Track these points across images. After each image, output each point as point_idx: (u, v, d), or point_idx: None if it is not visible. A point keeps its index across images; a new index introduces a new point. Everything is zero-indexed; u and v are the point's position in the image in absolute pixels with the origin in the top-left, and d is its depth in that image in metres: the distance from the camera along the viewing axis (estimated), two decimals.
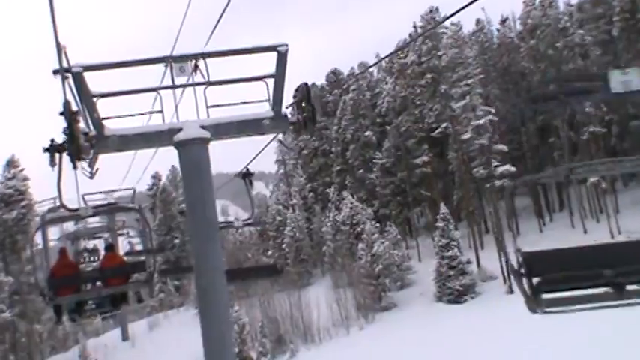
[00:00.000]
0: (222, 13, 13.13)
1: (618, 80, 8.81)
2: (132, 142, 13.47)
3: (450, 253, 71.77)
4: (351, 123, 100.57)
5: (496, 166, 71.98)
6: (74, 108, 11.84)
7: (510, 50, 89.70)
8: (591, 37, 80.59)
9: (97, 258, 28.01)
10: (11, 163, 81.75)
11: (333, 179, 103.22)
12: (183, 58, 12.99)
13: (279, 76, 13.11)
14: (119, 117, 13.45)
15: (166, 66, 12.96)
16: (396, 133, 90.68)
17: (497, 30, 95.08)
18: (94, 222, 26.42)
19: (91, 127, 12.99)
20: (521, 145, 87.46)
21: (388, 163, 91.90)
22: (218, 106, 13.61)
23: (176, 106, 13.93)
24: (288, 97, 13.83)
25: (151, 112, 14.06)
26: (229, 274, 14.22)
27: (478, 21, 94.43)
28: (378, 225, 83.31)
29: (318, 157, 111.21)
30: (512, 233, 79.82)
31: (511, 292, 69.37)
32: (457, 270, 71.40)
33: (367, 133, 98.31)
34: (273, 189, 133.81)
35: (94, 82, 12.99)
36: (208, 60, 13.02)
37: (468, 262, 73.28)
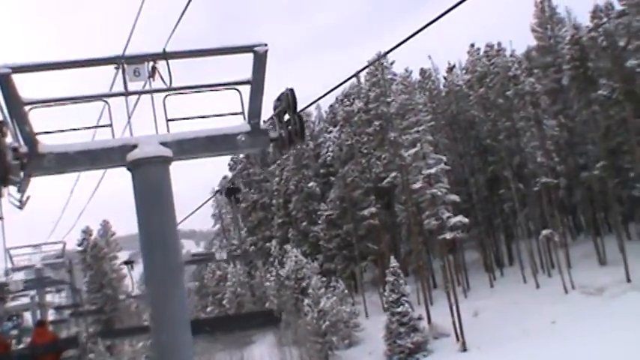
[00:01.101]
0: (187, 7, 10.80)
1: None
2: (73, 162, 11.02)
3: (400, 309, 69.85)
4: (294, 174, 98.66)
5: (448, 217, 70.39)
6: None
7: (459, 98, 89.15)
8: (541, 85, 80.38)
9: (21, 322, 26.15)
10: None
11: (275, 233, 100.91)
12: (139, 59, 10.82)
13: (256, 82, 11.00)
14: (59, 131, 10.99)
15: (117, 68, 10.81)
16: (341, 183, 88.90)
17: (445, 78, 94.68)
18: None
19: (22, 141, 10.56)
20: (471, 196, 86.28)
21: (333, 215, 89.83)
22: (182, 119, 11.31)
23: (129, 118, 11.49)
24: (266, 109, 11.57)
25: (97, 127, 11.63)
26: (210, 324, 11.80)
27: (423, 70, 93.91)
28: (323, 279, 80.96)
29: (257, 211, 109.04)
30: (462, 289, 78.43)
31: (464, 349, 67.58)
32: (408, 327, 69.52)
33: (311, 184, 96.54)
34: (207, 245, 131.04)
35: (27, 88, 10.67)
36: (170, 62, 10.84)
37: (419, 318, 71.41)
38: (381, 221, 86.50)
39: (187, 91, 11.30)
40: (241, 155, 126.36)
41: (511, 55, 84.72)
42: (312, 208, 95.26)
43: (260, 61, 10.67)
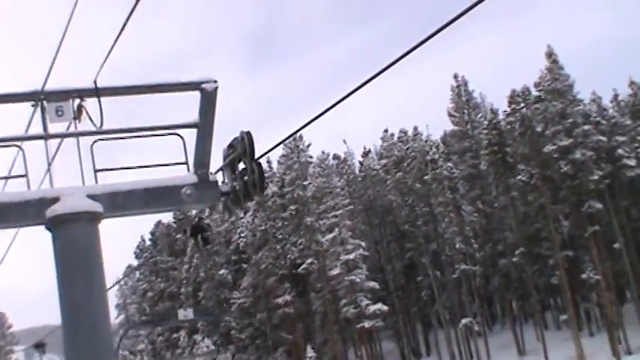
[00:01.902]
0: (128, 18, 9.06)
1: None
2: None
3: None
4: (204, 261, 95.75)
5: (367, 305, 68.80)
6: None
7: (375, 183, 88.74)
8: (459, 170, 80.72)
9: None
10: None
11: (183, 323, 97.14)
12: (62, 95, 9.15)
13: (204, 124, 9.46)
14: None
15: (35, 106, 9.17)
16: (255, 270, 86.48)
17: (360, 163, 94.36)
18: None
19: None
20: (387, 283, 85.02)
21: (247, 303, 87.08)
22: (113, 169, 9.56)
23: (49, 166, 9.63)
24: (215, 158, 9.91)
25: (8, 177, 9.77)
26: None
27: (336, 156, 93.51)
28: None
29: (164, 300, 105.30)
30: None
31: None
32: None
33: (222, 272, 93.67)
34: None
35: None
36: (102, 99, 9.16)
37: None
38: (295, 309, 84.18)
39: (121, 134, 9.60)
40: (147, 242, 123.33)
41: (427, 140, 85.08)
42: (223, 296, 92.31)
43: (208, 100, 9.29)
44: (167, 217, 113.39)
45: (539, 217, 74.30)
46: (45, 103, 9.00)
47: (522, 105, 75.41)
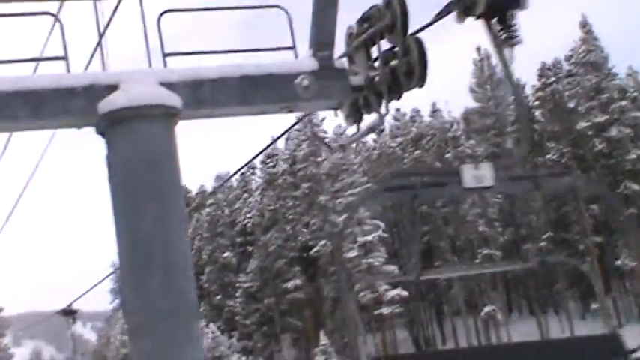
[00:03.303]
0: None
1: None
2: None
3: None
4: (207, 242, 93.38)
5: (386, 290, 66.21)
6: None
7: (392, 162, 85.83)
8: (482, 149, 78.07)
9: None
10: None
11: None
12: None
13: None
14: None
15: None
16: (262, 252, 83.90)
17: (374, 140, 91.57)
18: None
19: None
20: (402, 268, 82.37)
21: (253, 288, 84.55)
22: (185, 54, 6.84)
23: (100, 39, 6.87)
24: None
25: (40, 59, 7.04)
26: None
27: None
28: (243, 359, 75.63)
29: None
30: None
31: None
32: None
33: (226, 254, 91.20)
34: (105, 326, 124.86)
35: None
36: None
37: None
38: (305, 294, 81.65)
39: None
40: None
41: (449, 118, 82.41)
42: (227, 280, 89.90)
43: None
44: None
45: (569, 199, 71.68)
46: None
47: (553, 79, 72.76)
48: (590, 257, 68.39)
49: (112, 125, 6.27)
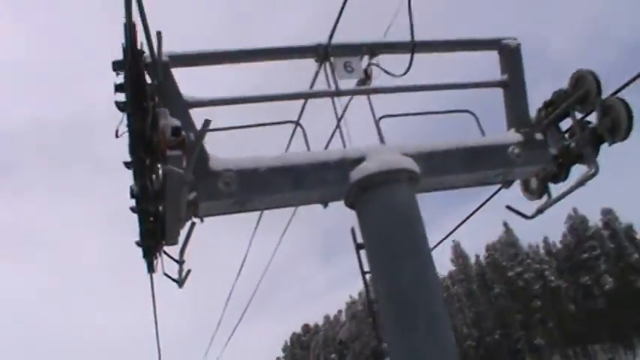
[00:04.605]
0: None
1: None
2: (262, 186, 7.67)
3: None
4: None
5: None
6: None
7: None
8: None
9: None
10: None
11: None
12: (350, 50, 8.48)
13: (514, 82, 8.95)
14: (225, 129, 8.05)
15: (320, 62, 8.41)
16: None
17: None
18: None
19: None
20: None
21: None
22: (395, 115, 8.72)
23: (339, 121, 8.32)
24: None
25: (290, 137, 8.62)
26: None
27: None
28: None
29: None
30: None
31: None
32: None
33: None
34: None
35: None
36: (385, 57, 8.57)
37: None
38: None
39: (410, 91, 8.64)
40: None
41: None
42: None
43: (512, 57, 8.95)
44: None
45: None
46: (331, 58, 8.34)
47: None
48: None
49: (362, 192, 7.45)
